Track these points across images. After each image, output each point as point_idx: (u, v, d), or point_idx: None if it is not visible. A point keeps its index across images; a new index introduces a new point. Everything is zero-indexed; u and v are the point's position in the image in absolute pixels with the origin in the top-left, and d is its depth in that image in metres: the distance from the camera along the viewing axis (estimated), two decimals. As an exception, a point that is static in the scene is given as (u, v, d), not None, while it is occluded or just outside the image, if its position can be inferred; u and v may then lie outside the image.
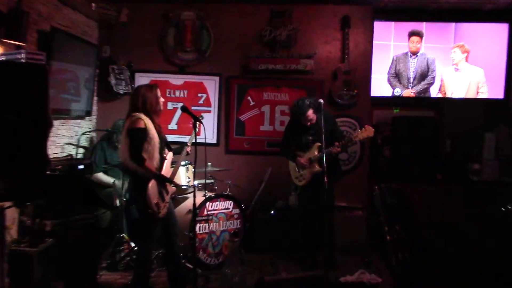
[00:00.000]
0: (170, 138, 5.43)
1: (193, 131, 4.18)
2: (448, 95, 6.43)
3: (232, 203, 5.11)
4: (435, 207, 5.79)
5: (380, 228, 5.62)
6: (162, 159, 4.05)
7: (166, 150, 4.16)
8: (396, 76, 6.44)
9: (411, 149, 6.21)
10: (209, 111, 6.19)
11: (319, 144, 4.72)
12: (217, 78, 6.18)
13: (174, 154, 4.31)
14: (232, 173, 5.82)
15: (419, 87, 6.47)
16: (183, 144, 4.58)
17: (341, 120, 6.06)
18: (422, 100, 6.46)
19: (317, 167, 4.78)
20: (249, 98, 6.20)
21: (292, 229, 5.40)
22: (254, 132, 6.22)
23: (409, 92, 6.46)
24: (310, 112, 4.71)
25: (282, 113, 6.17)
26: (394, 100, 6.49)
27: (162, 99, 4.06)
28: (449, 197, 5.90)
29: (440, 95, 6.45)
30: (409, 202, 5.90)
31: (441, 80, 6.42)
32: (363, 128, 4.58)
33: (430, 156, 6.21)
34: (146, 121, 3.90)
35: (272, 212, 5.67)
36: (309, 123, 4.77)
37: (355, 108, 6.15)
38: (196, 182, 5.03)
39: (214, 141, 6.18)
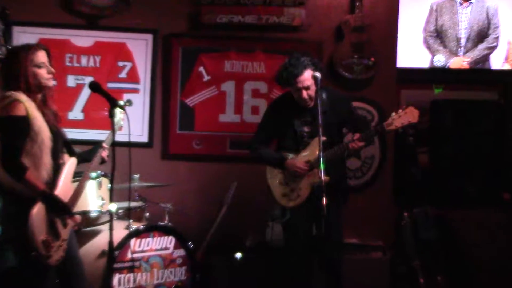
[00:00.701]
0: (72, 133, 5.41)
1: (112, 123, 4.11)
2: None
3: (174, 240, 5.18)
4: (501, 247, 5.87)
5: (412, 278, 5.68)
6: (57, 168, 4.06)
7: (65, 154, 4.19)
8: (437, 35, 6.48)
9: (463, 153, 6.22)
10: (136, 91, 6.24)
11: (323, 138, 4.69)
12: (149, 37, 6.23)
13: (78, 161, 4.32)
14: (174, 190, 5.85)
15: (475, 53, 6.47)
16: (97, 144, 4.51)
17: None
18: (480, 74, 6.51)
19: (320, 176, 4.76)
20: (201, 69, 6.25)
21: (272, 281, 5.44)
22: (209, 124, 6.26)
23: (459, 62, 6.47)
24: (307, 74, 4.72)
25: (256, 93, 6.23)
26: (435, 74, 6.53)
27: (51, 70, 4.04)
28: None
29: (508, 67, 6.50)
30: (457, 237, 6.06)
31: (510, 43, 6.50)
32: (401, 111, 4.66)
33: (492, 164, 6.25)
34: (28, 105, 3.88)
35: (239, 254, 5.72)
36: (305, 100, 4.83)
37: (372, 86, 6.20)
38: (114, 207, 4.47)
39: (144, 139, 6.25)
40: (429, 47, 6.49)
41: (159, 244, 5.15)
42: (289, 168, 4.90)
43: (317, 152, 4.68)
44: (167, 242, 5.18)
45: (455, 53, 6.48)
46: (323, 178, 4.38)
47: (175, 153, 6.27)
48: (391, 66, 6.27)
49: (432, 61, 6.50)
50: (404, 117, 4.64)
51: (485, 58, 6.50)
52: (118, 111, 4.06)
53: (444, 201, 6.15)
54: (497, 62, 6.53)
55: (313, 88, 4.75)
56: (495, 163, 6.27)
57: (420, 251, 5.89)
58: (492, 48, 6.49)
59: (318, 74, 4.55)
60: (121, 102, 4.05)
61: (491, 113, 6.33)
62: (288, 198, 4.98)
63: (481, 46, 6.47)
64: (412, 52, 6.45)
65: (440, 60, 6.48)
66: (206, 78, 6.26)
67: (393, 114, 4.70)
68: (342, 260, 5.05)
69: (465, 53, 6.48)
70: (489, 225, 5.97)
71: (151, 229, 5.10)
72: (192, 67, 6.24)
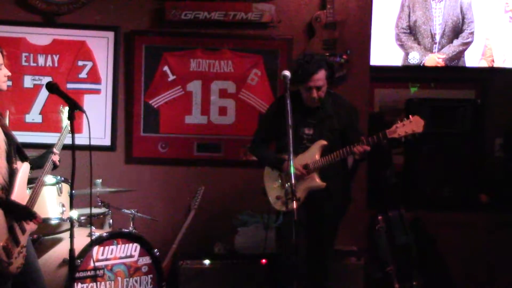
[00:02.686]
0: (30, 137, 5.86)
1: (67, 126, 4.27)
2: (498, 64, 6.62)
3: (139, 247, 5.23)
4: (478, 250, 6.11)
5: (387, 283, 5.91)
6: (12, 173, 4.08)
7: (18, 160, 4.21)
8: (411, 32, 6.62)
9: (438, 153, 6.41)
10: (97, 92, 6.32)
11: (324, 142, 4.96)
12: (110, 35, 6.31)
13: (33, 166, 4.37)
14: (139, 196, 5.98)
15: (450, 49, 6.60)
16: (48, 149, 4.60)
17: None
18: (456, 72, 6.62)
19: (317, 181, 4.99)
20: (166, 68, 6.34)
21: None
22: (174, 126, 6.35)
23: (433, 59, 6.61)
24: (321, 75, 4.89)
25: (224, 94, 6.31)
26: (409, 72, 6.67)
27: (6, 73, 4.11)
28: (503, 234, 6.17)
29: (484, 63, 6.65)
30: (434, 241, 6.33)
31: (486, 39, 6.63)
32: (406, 119, 4.76)
33: (468, 165, 6.44)
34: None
35: (208, 261, 5.79)
36: (313, 101, 4.96)
37: (344, 85, 6.28)
38: (75, 213, 4.71)
39: (107, 142, 6.32)
40: (402, 44, 6.66)
41: (124, 252, 5.17)
42: (286, 169, 4.84)
43: (316, 157, 4.92)
44: (132, 249, 5.20)
45: (429, 50, 6.65)
46: (318, 183, 4.89)
47: (139, 156, 6.31)
48: (364, 64, 6.40)
49: (406, 58, 6.68)
50: (409, 126, 4.75)
51: (460, 54, 6.65)
52: (66, 113, 4.11)
53: (420, 204, 6.37)
54: (472, 59, 6.68)
55: (324, 89, 4.91)
56: (472, 164, 6.48)
57: (395, 256, 6.05)
58: (467, 44, 6.65)
59: (287, 73, 4.66)
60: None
61: (469, 113, 6.49)
62: (282, 202, 4.89)
63: (456, 42, 6.64)
64: (386, 49, 6.60)
65: (415, 57, 6.65)
66: (171, 77, 6.33)
67: (398, 121, 4.81)
68: (329, 269, 5.26)
69: (439, 49, 6.65)
70: (466, 228, 6.24)
71: (115, 236, 5.11)
72: (156, 67, 6.29)
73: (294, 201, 4.26)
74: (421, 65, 6.66)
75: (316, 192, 4.94)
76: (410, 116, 4.76)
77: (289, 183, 4.48)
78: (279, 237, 5.20)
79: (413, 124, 4.74)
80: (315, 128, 4.99)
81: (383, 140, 4.81)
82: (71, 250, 4.06)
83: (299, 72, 4.87)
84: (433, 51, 6.66)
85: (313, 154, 4.95)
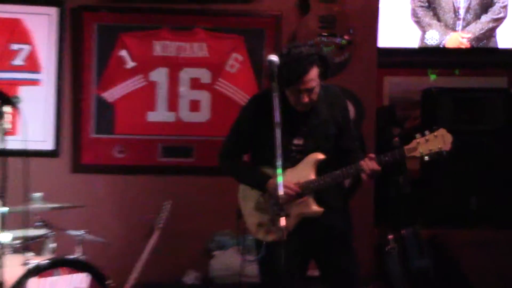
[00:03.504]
0: None
1: None
2: None
3: (89, 278, 4.97)
4: (510, 276, 5.87)
5: None
6: None
7: None
8: (429, 6, 6.52)
9: (463, 156, 6.08)
10: (36, 82, 6.11)
11: (320, 156, 4.57)
12: (53, 11, 6.09)
13: None
14: (89, 213, 5.77)
15: (478, 26, 6.51)
16: None
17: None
18: (485, 55, 6.49)
19: (313, 207, 4.59)
20: (123, 53, 6.13)
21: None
22: (134, 125, 6.18)
23: (457, 39, 6.49)
24: (313, 74, 4.46)
25: (196, 84, 6.15)
26: (427, 56, 6.53)
27: None
28: None
29: None
30: (456, 265, 6.01)
31: None
32: (429, 133, 4.43)
33: (501, 171, 6.22)
34: None
35: None
36: (304, 105, 4.59)
37: (347, 72, 6.11)
38: (7, 236, 4.79)
39: (49, 146, 6.12)
40: (418, 21, 6.54)
41: (69, 284, 4.92)
42: (272, 191, 4.56)
43: (311, 176, 4.56)
44: (80, 280, 4.94)
45: (452, 28, 6.55)
46: (314, 210, 4.48)
47: (89, 163, 6.14)
48: (371, 46, 6.25)
49: (423, 38, 6.56)
50: (433, 142, 4.39)
51: (490, 33, 6.54)
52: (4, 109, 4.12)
53: (440, 219, 6.12)
54: (505, 39, 6.60)
55: (317, 90, 4.58)
56: (505, 169, 6.24)
57: (410, 282, 5.86)
58: (499, 20, 6.51)
59: (274, 58, 4.33)
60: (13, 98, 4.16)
61: (500, 105, 6.27)
62: (266, 230, 4.68)
63: (485, 18, 6.50)
64: (398, 27, 6.53)
65: (433, 37, 6.52)
66: (130, 64, 6.14)
67: (418, 136, 4.49)
68: None
69: (464, 27, 6.55)
70: (496, 248, 5.98)
71: (58, 264, 4.90)
72: (111, 51, 6.13)
73: (282, 217, 3.96)
74: (442, 46, 6.49)
75: (310, 220, 4.58)
76: (435, 128, 4.39)
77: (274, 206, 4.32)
78: (264, 274, 4.82)
79: (439, 140, 4.38)
80: (306, 137, 4.60)
81: (400, 159, 4.48)
82: (1, 283, 4.09)
83: (283, 72, 4.47)
84: (456, 29, 6.49)
85: (307, 172, 4.55)
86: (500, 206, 6.25)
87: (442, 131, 4.41)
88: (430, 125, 5.95)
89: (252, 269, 4.97)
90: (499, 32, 6.54)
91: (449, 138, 4.39)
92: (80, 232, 5.14)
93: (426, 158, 4.47)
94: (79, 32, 6.09)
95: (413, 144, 4.41)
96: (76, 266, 4.92)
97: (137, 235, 5.79)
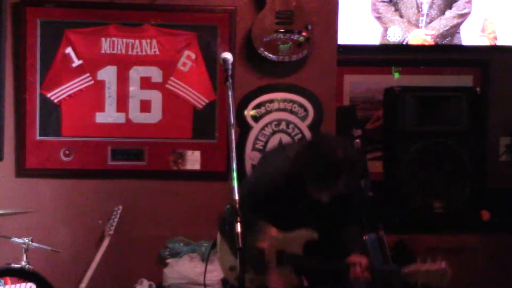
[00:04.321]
0: None
1: None
2: (502, 41, 6.56)
3: (34, 287, 5.00)
4: (478, 280, 5.90)
5: None
6: None
7: None
8: (391, 1, 6.57)
9: (427, 158, 6.13)
10: None
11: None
12: None
13: None
14: (35, 219, 5.69)
15: (442, 22, 6.51)
16: None
17: (276, 97, 6.05)
18: (448, 53, 6.58)
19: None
20: (68, 50, 6.03)
21: None
22: (82, 127, 6.08)
23: (420, 36, 6.53)
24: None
25: (146, 83, 6.09)
26: (389, 53, 6.63)
27: None
28: (509, 259, 5.98)
29: (485, 41, 6.61)
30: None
31: (486, 11, 6.57)
32: (430, 263, 4.33)
33: (465, 173, 6.16)
34: None
35: None
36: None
37: (305, 70, 6.08)
38: None
39: None
40: (380, 17, 6.55)
41: None
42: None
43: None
44: None
45: (415, 24, 6.56)
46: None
47: (34, 167, 6.02)
48: (330, 43, 6.18)
49: (384, 35, 6.59)
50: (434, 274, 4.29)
51: (455, 30, 6.57)
52: None
53: (404, 224, 6.09)
54: (469, 35, 6.63)
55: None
56: (471, 171, 6.22)
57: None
58: (463, 16, 6.54)
59: (228, 56, 4.24)
60: None
61: (465, 104, 6.24)
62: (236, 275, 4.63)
63: (449, 14, 6.53)
64: (358, 24, 6.53)
65: (395, 33, 6.54)
66: (76, 62, 6.01)
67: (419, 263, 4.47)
68: None
69: (428, 23, 6.56)
70: (463, 254, 5.97)
71: (2, 274, 4.94)
72: (56, 48, 6.00)
73: (238, 223, 3.74)
74: (404, 43, 6.56)
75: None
76: (439, 262, 4.33)
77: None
78: None
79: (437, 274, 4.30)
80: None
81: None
82: None
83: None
84: (420, 25, 6.53)
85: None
86: (466, 210, 6.22)
87: (445, 268, 4.28)
88: (391, 125, 6.04)
89: (207, 278, 5.01)
90: (463, 28, 6.57)
91: (448, 273, 4.24)
92: (25, 240, 5.05)
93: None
94: (20, 28, 5.96)
95: (412, 268, 4.33)
96: (21, 275, 4.90)
97: (86, 242, 5.78)
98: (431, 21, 6.53)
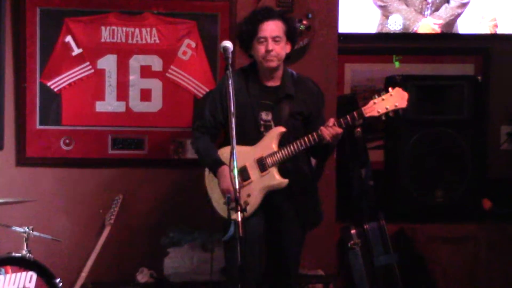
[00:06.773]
0: None
1: None
2: (503, 29, 6.61)
3: (35, 276, 4.98)
4: (479, 270, 5.99)
5: None
6: None
7: None
8: None
9: (428, 147, 6.25)
10: None
11: (282, 129, 4.77)
12: None
13: None
14: (36, 208, 5.71)
15: (447, 12, 6.56)
16: None
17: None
18: (449, 40, 6.57)
19: (277, 177, 4.79)
20: (68, 39, 6.04)
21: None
22: (82, 116, 6.11)
23: (428, 25, 6.59)
24: (277, 24, 4.72)
25: (147, 72, 6.12)
26: (391, 42, 6.63)
27: None
28: (509, 249, 6.05)
29: (487, 29, 6.65)
30: (422, 261, 6.07)
31: None
32: (385, 93, 4.66)
33: (468, 162, 6.27)
34: None
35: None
36: (270, 60, 4.75)
37: (305, 59, 6.09)
38: None
39: None
40: (385, 6, 6.58)
41: (15, 283, 4.92)
42: (220, 181, 4.75)
43: (273, 147, 4.75)
44: (26, 279, 4.96)
45: (420, 13, 6.61)
46: (278, 180, 4.68)
47: (35, 156, 6.05)
48: (331, 32, 6.19)
49: (383, 23, 6.63)
50: (390, 100, 4.61)
51: (454, 20, 6.61)
52: None
53: (405, 213, 6.17)
54: (468, 23, 6.65)
55: (282, 45, 4.74)
56: (472, 160, 6.29)
57: (374, 279, 5.92)
58: (464, 6, 6.59)
59: (228, 44, 4.39)
60: None
61: (466, 93, 6.31)
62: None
63: (454, 3, 6.57)
64: (359, 12, 6.52)
65: (396, 22, 6.57)
66: (76, 51, 6.03)
67: (375, 96, 4.67)
68: None
69: (433, 11, 6.61)
70: (464, 243, 6.09)
71: (2, 263, 4.89)
72: (56, 37, 6.00)
73: (239, 212, 3.98)
74: (404, 32, 6.63)
75: (275, 192, 4.78)
76: (390, 88, 4.67)
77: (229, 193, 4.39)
78: (226, 257, 4.96)
79: (395, 98, 4.63)
80: (273, 111, 4.84)
81: (359, 120, 4.74)
82: None
83: (242, 27, 4.80)
84: (425, 13, 6.60)
85: (269, 145, 4.78)
86: (467, 200, 6.30)
87: (397, 90, 4.63)
88: (394, 118, 5.89)
89: (208, 267, 5.20)
90: (462, 19, 6.62)
91: (404, 95, 4.62)
92: (26, 229, 5.07)
93: (384, 117, 4.71)
94: (20, 17, 5.96)
95: (370, 104, 4.64)
96: (22, 264, 4.90)
97: (86, 231, 5.87)
98: (436, 10, 6.57)
